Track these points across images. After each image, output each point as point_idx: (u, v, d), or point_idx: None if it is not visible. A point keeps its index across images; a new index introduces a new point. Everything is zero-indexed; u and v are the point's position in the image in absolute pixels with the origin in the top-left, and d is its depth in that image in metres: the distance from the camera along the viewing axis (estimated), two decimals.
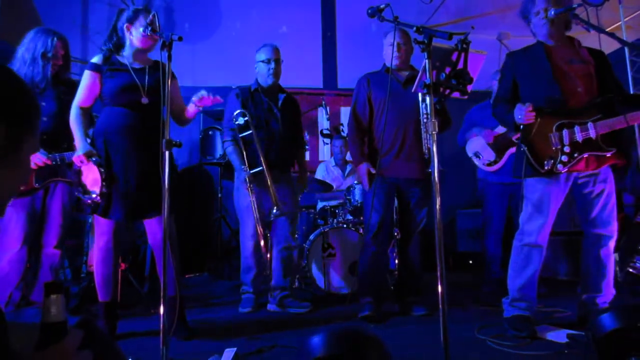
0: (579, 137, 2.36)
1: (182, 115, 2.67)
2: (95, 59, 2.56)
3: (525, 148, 2.45)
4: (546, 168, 2.38)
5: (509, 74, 2.65)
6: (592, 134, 2.34)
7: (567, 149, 2.37)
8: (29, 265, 2.79)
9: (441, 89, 1.83)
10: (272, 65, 3.27)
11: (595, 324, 1.75)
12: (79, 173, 2.44)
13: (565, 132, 2.38)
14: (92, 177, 2.41)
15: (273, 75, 3.28)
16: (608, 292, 2.50)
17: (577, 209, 2.58)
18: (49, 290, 0.83)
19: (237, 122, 3.15)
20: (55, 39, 2.77)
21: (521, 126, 2.46)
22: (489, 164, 3.83)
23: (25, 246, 2.71)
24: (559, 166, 2.37)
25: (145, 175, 2.46)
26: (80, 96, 2.53)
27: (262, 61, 3.30)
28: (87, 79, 2.53)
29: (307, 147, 4.43)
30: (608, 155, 2.38)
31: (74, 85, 2.96)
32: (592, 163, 2.41)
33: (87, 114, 2.56)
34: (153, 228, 2.55)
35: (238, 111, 3.17)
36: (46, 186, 2.80)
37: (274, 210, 3.06)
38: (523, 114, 2.39)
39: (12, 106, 0.82)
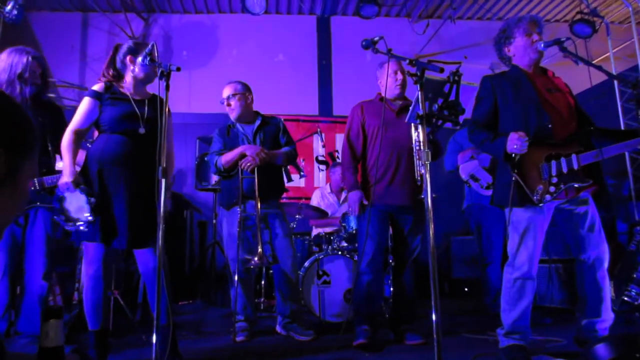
0: (564, 168, 2.38)
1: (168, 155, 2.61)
2: (97, 87, 2.57)
3: (518, 178, 2.41)
4: (535, 198, 2.38)
5: (489, 97, 2.59)
6: (575, 165, 2.37)
7: (554, 180, 2.38)
8: (17, 294, 2.72)
9: (434, 120, 1.87)
10: (225, 103, 3.35)
11: (590, 355, 1.75)
12: (61, 200, 2.38)
13: (553, 163, 2.40)
14: (76, 205, 2.37)
15: (232, 112, 3.34)
16: (607, 316, 2.46)
17: (565, 236, 2.57)
18: (47, 315, 0.85)
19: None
20: (29, 58, 2.70)
21: (513, 155, 2.41)
22: (488, 187, 3.78)
23: (5, 278, 2.62)
24: (547, 197, 2.38)
25: (138, 205, 2.45)
26: (77, 121, 2.51)
27: (222, 101, 3.39)
28: (85, 105, 2.52)
29: (302, 173, 4.44)
30: (586, 185, 2.39)
31: (55, 108, 2.94)
32: (570, 192, 2.42)
33: (80, 141, 2.54)
34: (143, 257, 2.53)
35: None
36: (25, 213, 2.69)
37: (255, 259, 3.07)
38: (520, 144, 2.34)
39: (11, 132, 0.81)
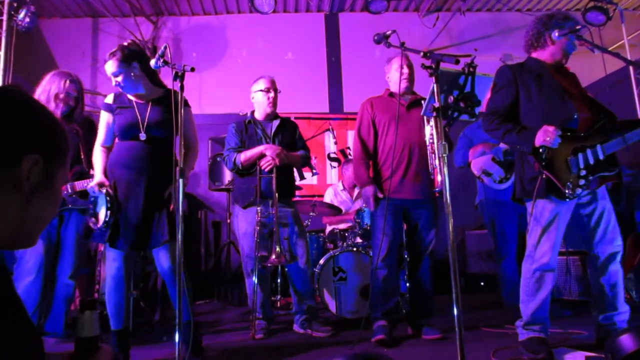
0: (591, 160, 2.35)
1: (189, 150, 2.65)
2: (107, 99, 2.66)
3: (549, 174, 2.33)
4: (568, 193, 2.32)
5: (511, 88, 2.52)
6: (601, 155, 2.34)
7: (583, 173, 2.34)
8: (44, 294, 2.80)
9: (449, 112, 1.85)
10: (271, 94, 3.35)
11: (614, 346, 1.72)
12: (95, 203, 2.49)
13: (580, 156, 2.36)
14: (101, 207, 2.47)
15: (272, 104, 3.36)
16: (623, 309, 2.44)
17: (581, 231, 2.49)
18: (84, 306, 0.90)
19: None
20: (67, 81, 2.92)
21: (541, 149, 2.35)
22: (501, 181, 3.74)
23: (40, 275, 2.75)
24: (578, 190, 2.33)
25: (149, 206, 2.48)
26: (100, 136, 2.63)
27: (261, 90, 3.37)
28: (103, 119, 2.64)
29: (315, 171, 4.44)
30: (612, 174, 2.37)
31: (87, 121, 3.13)
32: (594, 183, 2.39)
33: (109, 151, 2.64)
34: (159, 257, 2.57)
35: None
36: (60, 215, 2.87)
37: (273, 257, 3.06)
38: (553, 137, 2.29)
39: (48, 139, 0.85)
